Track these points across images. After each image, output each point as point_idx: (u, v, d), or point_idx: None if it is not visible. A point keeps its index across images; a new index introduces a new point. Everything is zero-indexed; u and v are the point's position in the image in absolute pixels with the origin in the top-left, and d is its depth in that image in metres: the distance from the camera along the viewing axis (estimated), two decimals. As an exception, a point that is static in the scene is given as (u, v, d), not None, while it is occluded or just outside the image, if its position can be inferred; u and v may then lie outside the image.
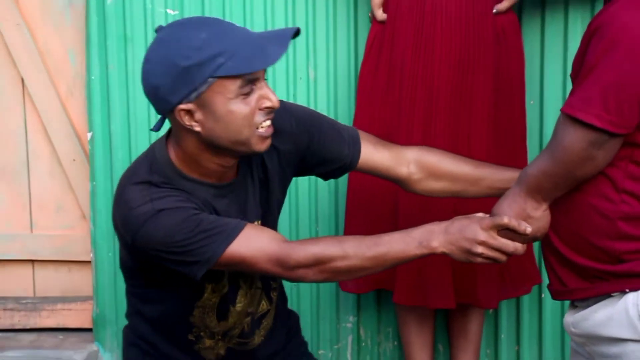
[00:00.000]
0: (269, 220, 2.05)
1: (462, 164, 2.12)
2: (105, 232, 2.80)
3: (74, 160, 2.91)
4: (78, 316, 2.99)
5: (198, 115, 1.75)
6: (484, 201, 2.28)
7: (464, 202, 2.41)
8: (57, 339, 2.97)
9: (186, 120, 1.76)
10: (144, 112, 2.74)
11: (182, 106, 1.72)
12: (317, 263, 1.83)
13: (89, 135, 2.78)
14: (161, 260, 1.84)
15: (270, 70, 2.72)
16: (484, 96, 2.44)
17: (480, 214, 1.85)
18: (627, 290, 1.72)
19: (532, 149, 2.61)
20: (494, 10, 2.41)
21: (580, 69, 1.78)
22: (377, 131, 2.46)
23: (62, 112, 2.90)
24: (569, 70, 2.49)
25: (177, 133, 1.85)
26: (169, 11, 2.70)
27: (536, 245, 2.62)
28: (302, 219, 2.81)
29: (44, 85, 2.88)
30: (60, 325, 3.00)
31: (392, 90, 2.48)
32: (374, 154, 2.10)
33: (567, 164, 1.70)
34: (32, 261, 3.04)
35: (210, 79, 1.69)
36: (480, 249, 1.76)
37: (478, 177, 2.13)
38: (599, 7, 2.61)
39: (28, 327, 2.99)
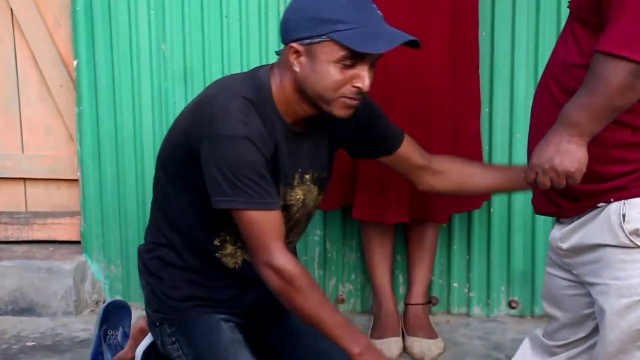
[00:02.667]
0: (318, 177, 2.27)
1: (469, 164, 2.42)
2: (91, 153, 3.11)
3: (61, 86, 3.20)
4: (67, 230, 3.30)
5: (302, 58, 1.98)
6: None
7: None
8: (47, 250, 3.28)
9: (292, 58, 1.99)
10: (126, 42, 3.03)
11: (295, 45, 1.96)
12: (287, 279, 2.04)
13: (75, 63, 3.06)
14: (205, 168, 2.04)
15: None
16: (441, 28, 2.71)
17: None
18: (612, 200, 1.94)
19: (483, 78, 2.92)
20: None
21: (592, 3, 1.88)
22: None
23: (50, 41, 3.17)
24: (518, 4, 2.90)
25: (281, 66, 2.07)
26: (147, -51, 2.98)
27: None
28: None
29: (32, 15, 3.15)
30: (51, 238, 3.31)
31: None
32: (408, 147, 2.34)
33: (609, 95, 1.82)
34: (24, 179, 3.36)
35: (324, 37, 1.93)
36: None
37: (482, 178, 2.40)
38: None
39: (21, 239, 3.32)
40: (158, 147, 2.97)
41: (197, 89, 3.05)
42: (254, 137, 2.03)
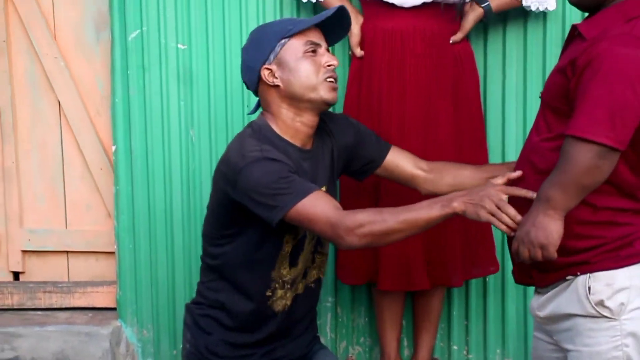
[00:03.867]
0: (331, 189, 2.37)
1: (460, 166, 2.51)
2: (126, 228, 3.17)
3: (101, 168, 3.31)
4: (104, 297, 3.34)
5: (278, 72, 2.20)
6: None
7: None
8: (87, 316, 3.31)
9: (269, 78, 2.22)
10: (159, 129, 3.11)
11: (265, 66, 2.19)
12: (361, 227, 2.04)
13: (114, 148, 3.14)
14: (251, 200, 2.12)
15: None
16: (446, 111, 2.77)
17: (494, 181, 2.03)
18: (578, 273, 1.99)
19: (495, 153, 3.00)
20: (451, 41, 2.77)
21: (561, 94, 1.96)
22: None
23: (92, 129, 3.30)
24: (507, 79, 2.98)
25: (265, 100, 2.25)
26: (180, 46, 3.06)
27: (498, 237, 2.94)
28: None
29: (77, 106, 3.29)
30: (90, 305, 3.35)
31: (372, 111, 2.77)
32: (398, 155, 2.48)
33: (577, 174, 1.88)
34: (67, 252, 3.42)
35: (283, 40, 2.21)
36: (488, 203, 1.95)
37: (473, 177, 2.45)
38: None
39: (64, 306, 3.35)
40: (187, 223, 3.14)
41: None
42: (271, 155, 2.14)
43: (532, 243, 1.92)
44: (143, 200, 3.18)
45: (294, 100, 2.23)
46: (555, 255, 1.92)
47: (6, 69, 3.32)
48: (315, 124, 2.28)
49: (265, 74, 2.22)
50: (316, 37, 2.25)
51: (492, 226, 2.70)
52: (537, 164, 2.04)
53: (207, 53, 3.10)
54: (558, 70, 2.00)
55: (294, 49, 2.21)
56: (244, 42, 2.90)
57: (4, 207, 3.42)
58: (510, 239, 2.05)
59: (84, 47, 3.32)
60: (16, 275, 3.49)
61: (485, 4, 2.79)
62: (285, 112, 2.25)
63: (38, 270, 3.48)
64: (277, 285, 2.32)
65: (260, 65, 2.22)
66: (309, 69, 2.21)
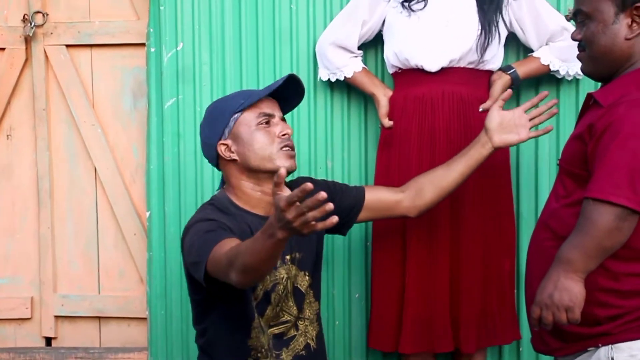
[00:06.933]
0: (308, 251, 2.34)
1: (433, 171, 2.55)
2: (159, 294, 3.18)
3: (135, 234, 3.36)
4: None
5: (234, 147, 2.24)
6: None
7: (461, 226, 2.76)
8: None
9: (226, 153, 2.25)
10: (193, 196, 3.14)
11: (221, 142, 2.25)
12: (230, 268, 1.94)
13: (148, 214, 3.18)
14: (189, 267, 2.13)
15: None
16: (473, 178, 2.71)
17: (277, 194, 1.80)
18: (600, 345, 2.00)
19: (528, 221, 3.00)
20: (480, 109, 2.79)
21: (579, 159, 2.00)
22: None
23: (126, 195, 3.38)
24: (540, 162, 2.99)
25: (224, 173, 2.30)
26: (214, 113, 3.17)
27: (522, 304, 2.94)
28: (337, 249, 3.15)
29: (112, 172, 3.38)
30: None
31: (402, 176, 2.77)
32: (374, 190, 2.53)
33: (598, 236, 1.90)
34: (99, 317, 3.45)
35: (235, 115, 2.27)
36: (295, 221, 1.71)
37: (447, 170, 2.51)
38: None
39: None
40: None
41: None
42: (208, 216, 2.16)
43: (557, 306, 1.93)
44: (176, 267, 3.19)
45: (252, 172, 2.27)
46: (579, 318, 1.93)
47: (45, 136, 3.42)
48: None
49: (222, 149, 2.28)
50: (269, 107, 2.30)
51: (515, 292, 2.81)
52: (556, 229, 2.06)
53: (241, 121, 3.13)
54: (575, 137, 2.06)
55: (247, 122, 2.26)
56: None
57: (38, 273, 3.46)
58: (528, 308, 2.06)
59: (121, 114, 3.41)
60: (48, 340, 3.50)
61: (511, 71, 2.85)
62: (246, 183, 2.30)
63: (70, 336, 3.49)
64: (259, 355, 2.33)
65: (216, 141, 2.28)
66: (263, 140, 2.26)
